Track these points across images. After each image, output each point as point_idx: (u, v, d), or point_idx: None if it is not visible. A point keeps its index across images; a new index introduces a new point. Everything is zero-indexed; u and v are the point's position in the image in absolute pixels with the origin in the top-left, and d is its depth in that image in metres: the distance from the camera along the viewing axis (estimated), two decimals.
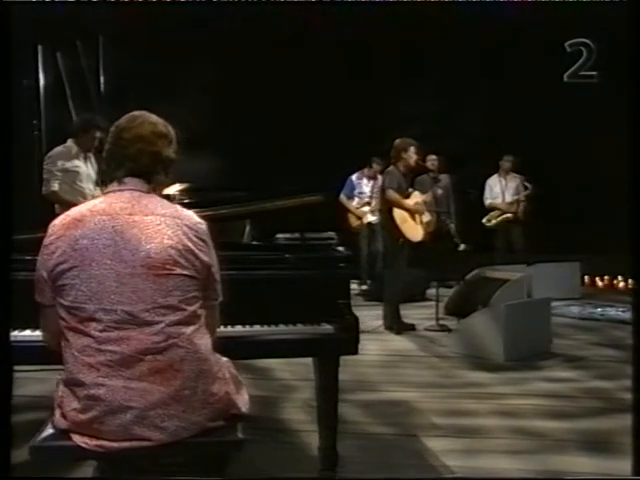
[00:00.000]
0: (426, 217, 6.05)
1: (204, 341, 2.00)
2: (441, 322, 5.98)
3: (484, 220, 8.42)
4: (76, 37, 9.62)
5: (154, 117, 2.11)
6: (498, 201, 8.44)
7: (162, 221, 1.95)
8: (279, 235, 8.58)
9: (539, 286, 7.44)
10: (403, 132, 7.64)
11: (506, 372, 4.57)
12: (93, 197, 5.16)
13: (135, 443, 1.88)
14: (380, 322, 6.03)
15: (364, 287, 8.14)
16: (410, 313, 6.48)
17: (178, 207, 2.05)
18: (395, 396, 4.08)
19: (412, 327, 6.00)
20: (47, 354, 2.07)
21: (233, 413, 2.07)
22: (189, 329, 1.94)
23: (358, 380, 4.45)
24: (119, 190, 2.00)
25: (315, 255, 2.85)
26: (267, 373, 4.56)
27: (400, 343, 5.57)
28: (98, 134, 4.98)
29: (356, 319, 2.61)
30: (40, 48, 9.82)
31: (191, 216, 2.03)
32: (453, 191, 8.38)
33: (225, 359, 2.19)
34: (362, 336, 5.63)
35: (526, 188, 8.28)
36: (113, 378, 1.86)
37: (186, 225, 1.97)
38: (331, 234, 8.65)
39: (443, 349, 5.27)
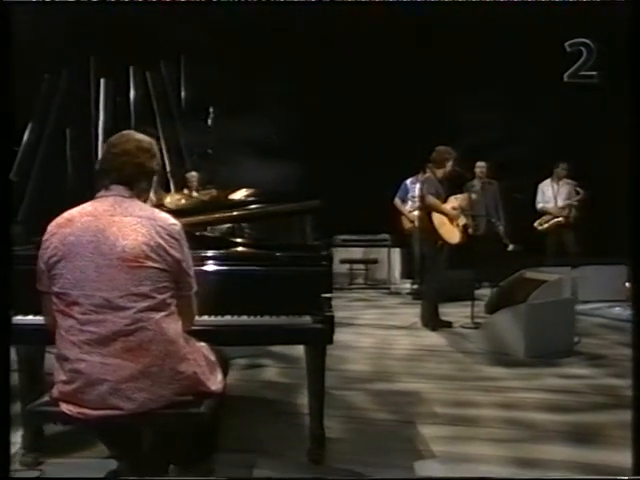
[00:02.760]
0: (462, 220, 6.05)
1: (173, 326, 2.18)
2: (477, 320, 5.96)
3: (536, 224, 8.31)
4: (160, 57, 10.14)
5: (140, 135, 2.34)
6: (550, 205, 8.31)
7: (138, 222, 2.16)
8: (339, 236, 8.82)
9: (586, 288, 7.31)
10: (459, 139, 7.73)
11: (523, 368, 4.54)
12: (152, 201, 5.49)
13: (110, 411, 2.09)
14: (416, 319, 6.09)
15: (415, 286, 8.17)
16: (455, 312, 6.49)
17: (155, 210, 2.26)
18: (408, 387, 4.13)
19: (449, 324, 6.02)
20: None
21: (202, 390, 2.25)
22: (158, 315, 2.13)
23: (379, 371, 4.57)
24: (105, 196, 2.24)
25: (299, 254, 2.96)
26: (298, 363, 4.70)
27: (432, 339, 5.60)
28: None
29: (332, 312, 2.70)
30: (131, 68, 10.41)
31: (166, 218, 2.23)
32: (501, 195, 8.37)
33: (202, 344, 2.37)
34: (397, 331, 5.86)
35: (578, 193, 8.11)
36: (92, 354, 2.08)
37: (159, 225, 2.17)
38: (385, 236, 8.81)
39: (471, 345, 5.27)
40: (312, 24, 8.81)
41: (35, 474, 2.82)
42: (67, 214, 2.21)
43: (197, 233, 3.41)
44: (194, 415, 2.18)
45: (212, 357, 2.37)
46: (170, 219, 2.24)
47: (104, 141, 9.79)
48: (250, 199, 3.54)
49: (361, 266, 9.07)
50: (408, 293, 8.21)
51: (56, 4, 7.69)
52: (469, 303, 6.98)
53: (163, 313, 2.15)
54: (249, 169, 9.34)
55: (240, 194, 7.05)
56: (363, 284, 9.06)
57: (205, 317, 2.64)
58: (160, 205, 6.02)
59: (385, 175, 8.40)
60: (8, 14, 2.40)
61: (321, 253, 2.85)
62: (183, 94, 10.36)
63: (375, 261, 8.95)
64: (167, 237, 2.17)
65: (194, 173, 8.62)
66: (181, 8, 9.08)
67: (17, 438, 2.93)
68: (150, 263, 2.12)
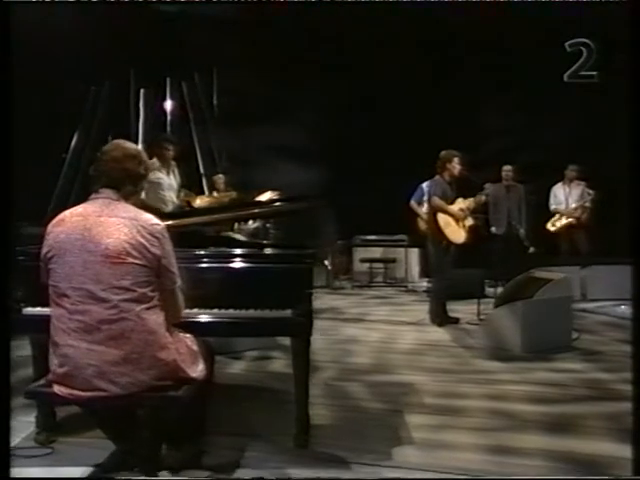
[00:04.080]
0: (469, 221, 6.05)
1: (154, 317, 2.29)
2: (483, 317, 5.94)
3: (548, 225, 8.26)
4: (194, 69, 10.37)
5: (129, 144, 2.49)
6: (562, 207, 8.25)
7: (122, 222, 2.29)
8: (359, 237, 8.86)
9: (595, 287, 7.24)
10: (483, 144, 7.75)
11: (517, 362, 4.54)
12: (173, 203, 5.65)
13: (96, 393, 2.23)
14: (425, 315, 6.11)
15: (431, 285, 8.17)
16: (465, 309, 6.46)
17: (139, 212, 2.38)
18: (404, 379, 4.17)
19: (456, 321, 6.02)
20: None
21: (182, 377, 2.35)
22: (139, 307, 2.25)
23: (380, 364, 4.61)
24: (95, 198, 2.38)
25: (283, 252, 3.04)
26: None
27: (437, 334, 5.61)
28: (169, 146, 5.49)
29: (311, 307, 2.78)
30: (168, 80, 10.67)
31: (149, 219, 2.35)
32: (525, 199, 8.34)
33: (187, 335, 2.49)
34: (405, 327, 5.89)
35: (589, 194, 8.03)
36: (79, 341, 2.22)
37: (141, 225, 2.30)
38: (403, 236, 8.84)
39: (473, 341, 5.27)
40: (338, 34, 8.92)
41: (47, 451, 2.96)
42: (61, 215, 2.36)
43: (219, 233, 3.53)
44: (172, 398, 2.29)
45: (195, 347, 2.48)
46: (152, 220, 2.35)
47: (143, 147, 10.09)
48: (249, 201, 3.64)
49: (381, 265, 9.10)
50: (424, 291, 8.21)
51: (100, 23, 7.93)
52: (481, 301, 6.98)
53: (144, 305, 2.26)
54: (277, 172, 9.50)
55: (266, 196, 7.15)
56: (382, 282, 9.09)
57: (195, 310, 2.75)
58: (189, 205, 6.22)
59: (405, 179, 8.43)
60: (8, 14, 2.44)
61: (304, 252, 2.92)
62: (215, 102, 10.59)
63: (393, 260, 9.00)
64: (148, 236, 2.29)
65: (221, 176, 8.77)
66: (214, 23, 9.32)
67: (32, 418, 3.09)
68: (131, 259, 2.24)
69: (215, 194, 8.25)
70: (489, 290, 7.17)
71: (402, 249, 8.94)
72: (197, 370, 2.43)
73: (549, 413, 3.46)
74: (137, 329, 2.23)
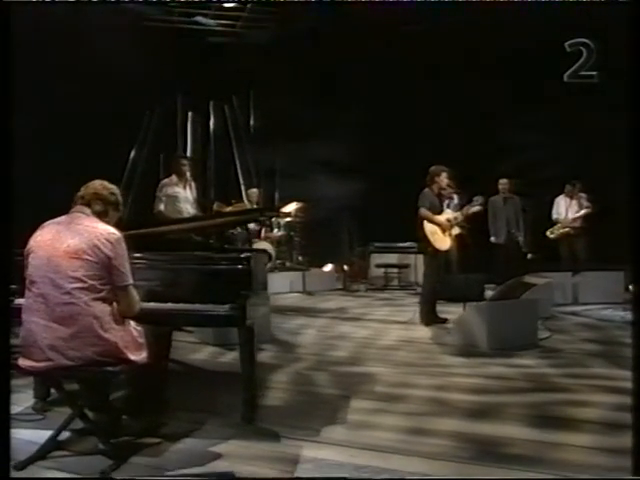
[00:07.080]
0: (455, 230, 6.15)
1: (100, 306, 2.65)
2: None
3: (547, 232, 8.28)
4: (233, 92, 10.85)
5: (106, 182, 2.92)
6: (562, 217, 8.26)
7: (84, 229, 2.71)
8: (374, 243, 9.04)
9: (586, 291, 7.21)
10: (486, 159, 7.82)
11: (478, 358, 4.63)
12: (189, 214, 6.00)
13: (49, 363, 2.59)
14: (414, 315, 6.25)
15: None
16: (459, 311, 6.53)
17: (101, 223, 2.77)
18: (367, 370, 4.33)
19: (443, 321, 6.11)
20: None
21: (122, 358, 2.67)
22: (88, 295, 2.61)
23: (354, 357, 4.78)
24: (72, 211, 2.82)
25: (225, 255, 3.29)
26: (294, 350, 5.02)
27: (420, 332, 5.73)
28: (183, 162, 5.89)
29: (246, 302, 3.03)
30: (212, 103, 11.19)
31: (107, 229, 2.75)
32: (522, 209, 8.42)
33: (138, 328, 2.80)
34: (395, 325, 6.04)
35: (587, 207, 8.07)
36: (40, 319, 2.61)
37: (100, 233, 2.70)
38: (412, 244, 8.95)
39: (450, 338, 5.36)
40: (360, 53, 9.16)
41: (39, 417, 3.31)
42: (45, 223, 2.80)
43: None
44: (110, 372, 2.61)
45: (140, 340, 2.80)
46: (110, 230, 2.75)
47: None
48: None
49: (395, 270, 9.25)
50: None
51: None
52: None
53: (92, 295, 2.62)
54: (306, 185, 9.82)
55: (291, 206, 7.47)
56: (397, 286, 9.23)
57: (152, 303, 3.05)
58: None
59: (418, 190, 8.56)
60: (8, 14, 2.58)
61: (241, 256, 3.18)
62: (252, 122, 11.05)
63: (407, 266, 9.13)
64: (104, 240, 2.68)
65: (255, 190, 9.13)
66: (252, 51, 9.74)
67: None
68: (86, 256, 2.63)
69: (247, 204, 8.62)
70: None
71: (413, 255, 9.06)
72: (139, 356, 2.73)
73: (479, 402, 3.57)
74: (83, 313, 2.59)
